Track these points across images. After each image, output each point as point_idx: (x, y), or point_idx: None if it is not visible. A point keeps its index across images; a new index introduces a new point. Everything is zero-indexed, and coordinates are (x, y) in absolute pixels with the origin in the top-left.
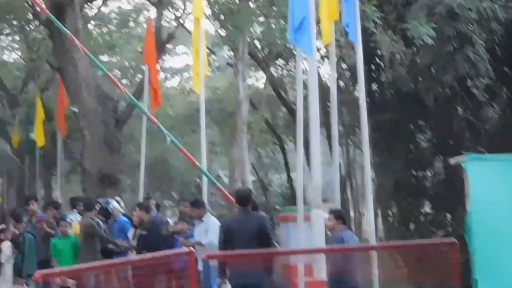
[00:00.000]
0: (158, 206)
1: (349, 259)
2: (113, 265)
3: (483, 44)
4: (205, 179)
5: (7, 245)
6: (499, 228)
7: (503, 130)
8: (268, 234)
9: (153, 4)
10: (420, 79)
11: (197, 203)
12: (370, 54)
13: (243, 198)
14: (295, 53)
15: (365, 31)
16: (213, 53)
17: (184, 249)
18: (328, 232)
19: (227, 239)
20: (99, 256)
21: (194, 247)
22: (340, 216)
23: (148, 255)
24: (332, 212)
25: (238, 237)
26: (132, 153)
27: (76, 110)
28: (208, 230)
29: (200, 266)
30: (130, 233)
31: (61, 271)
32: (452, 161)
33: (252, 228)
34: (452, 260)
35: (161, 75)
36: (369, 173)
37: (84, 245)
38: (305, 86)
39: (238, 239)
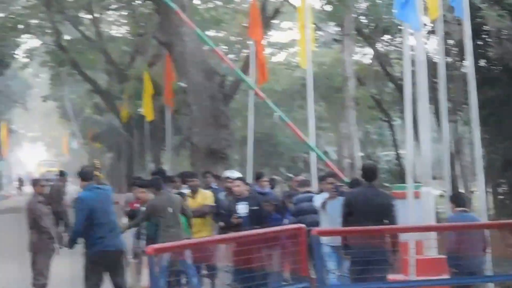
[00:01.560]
0: (272, 182)
1: (466, 237)
2: (225, 240)
3: None
4: (313, 154)
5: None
6: None
7: None
8: (392, 210)
9: None
10: None
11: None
12: (476, 30)
13: (369, 173)
14: (401, 28)
15: (471, 6)
16: (319, 28)
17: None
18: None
19: (351, 212)
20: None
21: None
22: (453, 199)
23: (260, 230)
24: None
25: (361, 211)
26: (240, 128)
27: (183, 85)
28: None
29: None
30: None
31: (171, 245)
32: None
33: (377, 203)
34: None
35: (267, 50)
36: (479, 149)
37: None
38: (412, 62)
39: (361, 214)
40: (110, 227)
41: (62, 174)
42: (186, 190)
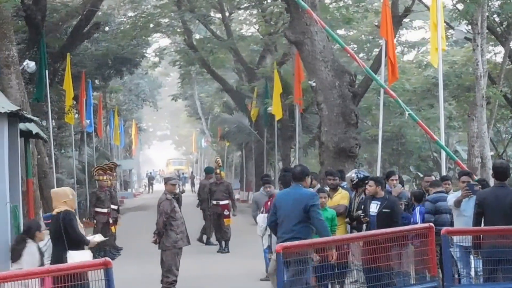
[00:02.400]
0: (401, 181)
1: None
2: (354, 238)
3: None
4: (443, 153)
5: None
6: None
7: None
8: None
9: None
10: None
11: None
12: None
13: (501, 172)
14: None
15: None
16: (451, 27)
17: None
18: None
19: (482, 212)
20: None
21: None
22: None
23: (390, 229)
24: None
25: (492, 211)
26: (369, 126)
27: (313, 84)
28: None
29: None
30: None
31: (300, 244)
32: None
33: (508, 202)
34: None
35: (398, 48)
36: None
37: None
38: None
39: (492, 213)
40: (285, 229)
41: (207, 171)
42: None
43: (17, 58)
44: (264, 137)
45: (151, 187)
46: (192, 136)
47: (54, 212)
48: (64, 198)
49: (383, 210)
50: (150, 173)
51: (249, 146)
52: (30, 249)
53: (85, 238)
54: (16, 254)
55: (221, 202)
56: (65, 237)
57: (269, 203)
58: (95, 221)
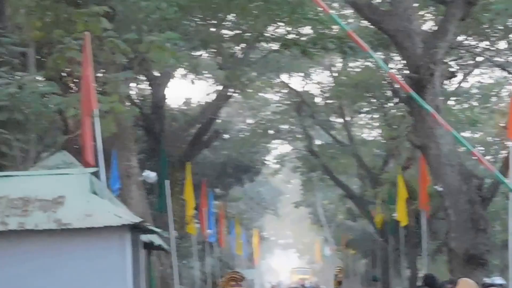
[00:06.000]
0: None
1: None
2: None
3: None
4: None
5: None
6: None
7: None
8: None
9: None
10: None
11: None
12: None
13: None
14: None
15: None
16: None
17: None
18: None
19: None
20: None
21: None
22: None
23: None
24: None
25: None
26: (498, 231)
27: (439, 188)
28: None
29: None
30: None
31: None
32: None
33: None
34: None
35: None
36: None
37: None
38: None
39: None
40: None
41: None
42: None
43: (137, 169)
44: (390, 244)
45: None
46: (315, 244)
47: None
48: None
49: None
50: (273, 283)
51: (374, 253)
52: None
53: None
54: None
55: None
56: None
57: None
58: None
